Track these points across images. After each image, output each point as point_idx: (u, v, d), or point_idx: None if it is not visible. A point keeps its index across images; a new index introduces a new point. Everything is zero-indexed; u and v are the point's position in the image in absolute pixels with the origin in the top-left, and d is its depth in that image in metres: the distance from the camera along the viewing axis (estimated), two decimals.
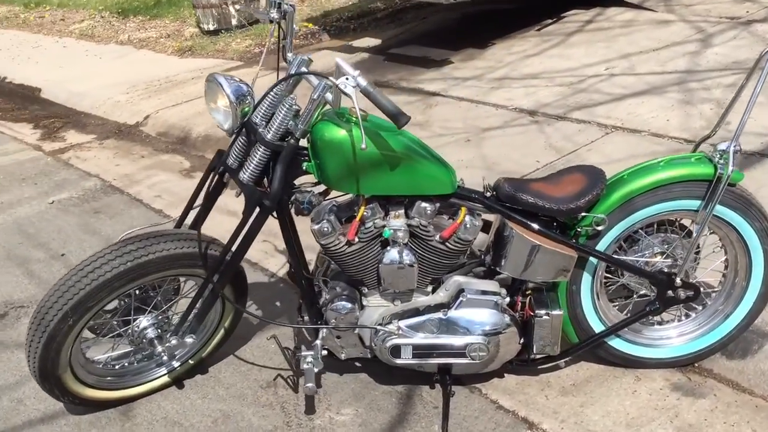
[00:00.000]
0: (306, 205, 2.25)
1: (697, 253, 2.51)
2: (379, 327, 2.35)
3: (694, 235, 2.31)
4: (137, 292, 2.35)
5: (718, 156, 2.25)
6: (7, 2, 12.27)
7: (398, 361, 2.35)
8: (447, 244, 2.27)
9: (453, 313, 2.32)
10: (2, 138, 5.92)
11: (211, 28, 8.10)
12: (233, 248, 2.26)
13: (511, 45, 6.19)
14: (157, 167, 4.96)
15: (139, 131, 5.81)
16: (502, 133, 4.53)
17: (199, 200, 2.36)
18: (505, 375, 2.55)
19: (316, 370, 2.31)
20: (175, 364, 2.54)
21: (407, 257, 2.25)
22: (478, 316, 2.32)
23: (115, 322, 2.35)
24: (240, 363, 2.67)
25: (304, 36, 7.70)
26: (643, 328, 2.57)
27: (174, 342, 2.36)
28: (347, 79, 2.00)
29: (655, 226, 2.42)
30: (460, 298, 2.33)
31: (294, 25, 2.22)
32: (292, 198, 2.27)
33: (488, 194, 2.32)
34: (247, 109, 2.15)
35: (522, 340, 2.39)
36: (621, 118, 4.42)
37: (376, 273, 2.29)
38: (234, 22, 8.08)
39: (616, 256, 2.38)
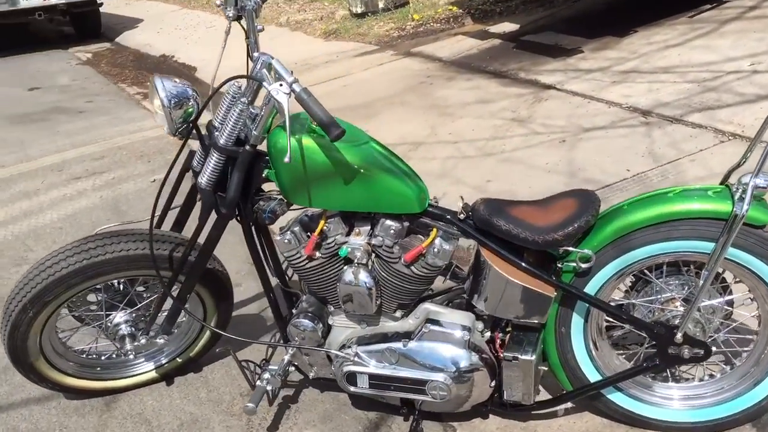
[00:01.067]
0: (268, 214, 2.15)
1: (730, 305, 2.10)
2: (332, 351, 2.20)
3: (701, 283, 1.92)
4: (121, 287, 2.38)
5: (741, 190, 1.84)
6: None
7: (352, 389, 2.19)
8: (412, 268, 2.06)
9: (413, 345, 2.12)
10: (145, 114, 6.33)
11: (359, 11, 8.13)
12: (196, 253, 2.21)
13: (653, 33, 5.60)
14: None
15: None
16: (604, 135, 4.11)
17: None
18: (491, 416, 2.29)
19: (269, 388, 2.21)
20: (163, 360, 2.55)
21: (364, 279, 2.08)
22: (440, 350, 2.10)
23: (97, 315, 2.39)
24: (233, 366, 2.63)
25: (446, 20, 7.51)
26: (654, 384, 2.20)
27: (143, 341, 2.37)
28: (281, 84, 1.87)
29: (665, 265, 2.04)
30: (423, 329, 2.12)
31: (256, 23, 2.10)
32: (256, 206, 2.17)
33: (462, 216, 2.07)
34: (191, 110, 2.08)
35: (493, 383, 2.12)
36: (743, 124, 3.83)
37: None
38: (381, 5, 8.06)
39: (603, 300, 2.04)
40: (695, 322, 2.02)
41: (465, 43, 6.61)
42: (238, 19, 2.04)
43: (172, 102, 2.05)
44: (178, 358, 2.54)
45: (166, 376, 2.58)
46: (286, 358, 2.29)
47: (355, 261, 2.08)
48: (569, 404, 2.25)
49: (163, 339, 2.37)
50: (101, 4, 10.01)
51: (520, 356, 2.03)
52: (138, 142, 5.54)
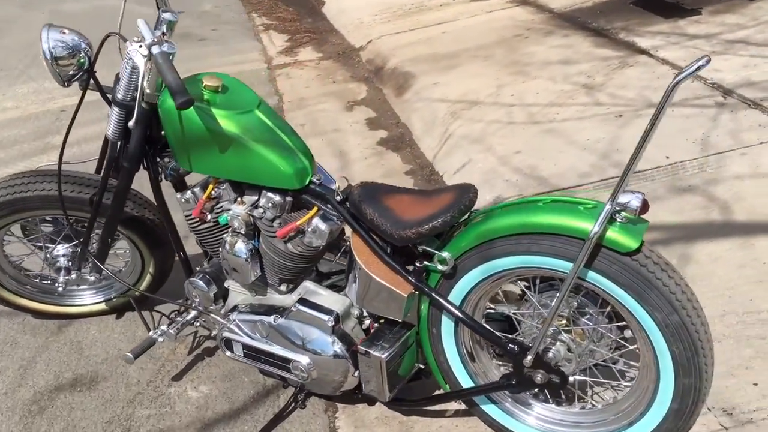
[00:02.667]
0: (170, 172, 2.20)
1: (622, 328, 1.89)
2: (213, 314, 2.23)
3: (552, 306, 1.74)
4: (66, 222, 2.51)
5: (615, 209, 1.63)
6: None
7: (229, 355, 2.23)
8: (289, 245, 2.04)
9: (282, 322, 2.10)
10: (254, 46, 6.54)
11: None
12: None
13: None
14: (333, 96, 5.09)
15: (357, 56, 5.97)
16: (668, 113, 3.67)
17: None
18: (377, 404, 2.25)
19: (160, 340, 2.29)
20: (113, 295, 2.71)
21: (240, 248, 2.09)
22: (303, 332, 2.07)
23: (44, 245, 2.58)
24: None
25: None
26: (533, 403, 2.04)
27: (74, 276, 2.53)
28: (140, 46, 1.88)
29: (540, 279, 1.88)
30: (292, 308, 2.10)
31: None
32: (161, 162, 2.22)
33: (338, 198, 1.99)
34: (82, 61, 2.12)
35: (357, 373, 2.07)
36: None
37: None
38: None
39: (461, 308, 1.90)
40: (562, 346, 1.84)
41: None
42: None
43: (56, 53, 2.08)
44: (125, 295, 2.68)
45: (116, 310, 2.74)
46: (187, 315, 2.34)
47: (236, 230, 2.08)
48: (463, 405, 2.13)
49: (95, 276, 2.51)
50: None
51: (371, 351, 1.96)
52: (231, 74, 5.73)
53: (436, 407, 2.19)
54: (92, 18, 7.88)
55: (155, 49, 1.82)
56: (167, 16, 2.07)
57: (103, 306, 2.73)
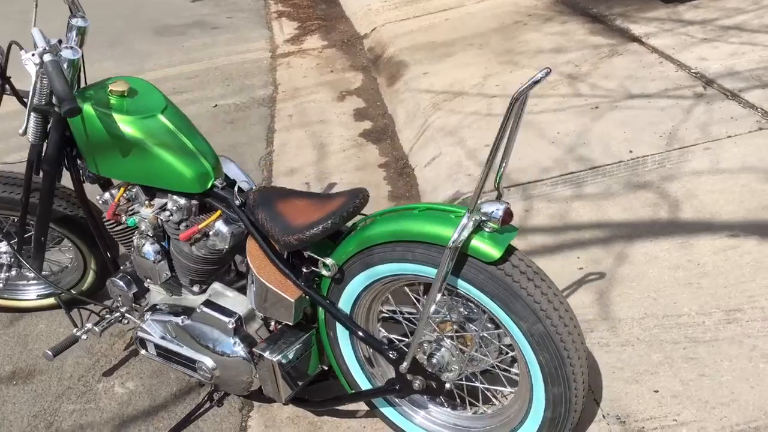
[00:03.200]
0: (89, 174, 2.24)
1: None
2: (127, 314, 2.31)
3: (421, 316, 1.75)
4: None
5: (480, 216, 1.64)
6: None
7: (143, 353, 2.30)
8: (193, 247, 2.10)
9: (188, 323, 2.17)
10: (263, 35, 6.61)
11: None
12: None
13: None
14: (328, 86, 5.12)
15: (360, 44, 5.98)
16: (644, 105, 3.64)
17: None
18: (291, 404, 2.29)
19: (84, 338, 2.37)
20: (56, 289, 2.80)
21: (147, 249, 2.16)
22: (207, 333, 2.13)
23: None
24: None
25: None
26: (429, 406, 2.06)
27: (14, 273, 2.64)
28: (32, 55, 1.94)
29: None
30: (196, 310, 2.15)
31: None
32: (81, 164, 2.27)
33: (237, 202, 2.03)
34: None
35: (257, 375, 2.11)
36: None
37: None
38: None
39: (346, 312, 1.93)
40: (446, 353, 1.85)
41: None
42: None
43: None
44: (72, 290, 2.78)
45: (65, 305, 2.81)
46: (112, 316, 2.41)
47: (143, 232, 2.14)
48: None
49: (31, 273, 2.60)
50: None
51: (264, 354, 2.00)
52: (234, 64, 5.83)
53: (347, 408, 2.23)
54: (117, 2, 8.05)
55: (47, 57, 1.88)
56: (76, 22, 2.12)
57: (51, 300, 2.82)
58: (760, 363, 2.04)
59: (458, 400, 2.03)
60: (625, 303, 2.37)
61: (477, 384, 1.96)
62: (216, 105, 4.95)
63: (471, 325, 1.88)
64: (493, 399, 2.01)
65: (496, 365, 1.89)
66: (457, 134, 3.78)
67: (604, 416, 1.98)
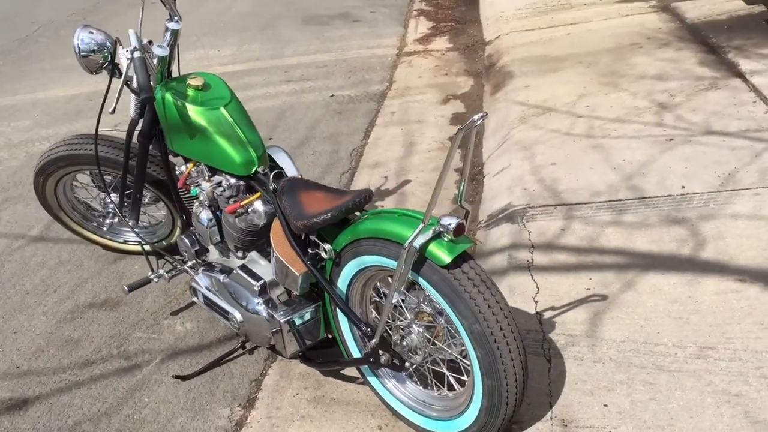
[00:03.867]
0: (169, 149, 2.75)
1: None
2: (184, 266, 2.80)
3: (386, 302, 2.11)
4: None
5: (435, 223, 1.98)
6: None
7: (193, 299, 2.79)
8: (236, 220, 2.56)
9: (226, 281, 2.62)
10: (396, 32, 7.04)
11: None
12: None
13: None
14: (437, 88, 5.47)
15: (482, 49, 6.27)
16: (717, 143, 3.72)
17: None
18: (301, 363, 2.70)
19: (155, 280, 2.91)
20: (153, 239, 3.37)
21: (202, 216, 2.64)
22: (239, 291, 2.58)
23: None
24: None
25: None
26: (406, 382, 2.41)
27: (116, 220, 3.23)
28: (126, 51, 2.45)
29: None
30: (234, 271, 2.61)
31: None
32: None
33: (272, 187, 2.47)
34: (107, 54, 2.68)
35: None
36: None
37: None
38: None
39: (337, 289, 2.30)
40: (415, 338, 2.19)
41: (731, 5, 5.90)
42: None
43: (82, 48, 2.62)
44: (163, 241, 3.35)
45: (149, 254, 3.36)
46: (184, 265, 2.92)
47: (202, 201, 2.63)
48: None
49: (132, 223, 3.17)
50: None
51: (275, 314, 2.42)
52: (361, 58, 6.30)
53: (348, 373, 2.61)
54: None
55: (137, 54, 2.38)
56: (171, 25, 2.60)
57: (137, 247, 3.40)
58: (708, 398, 2.21)
59: (429, 382, 2.35)
60: (613, 325, 2.58)
61: (444, 370, 2.28)
62: (332, 95, 5.43)
63: (440, 318, 2.20)
64: (455, 384, 2.30)
65: (457, 357, 2.20)
66: (531, 149, 4.01)
67: (551, 418, 2.24)
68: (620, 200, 3.35)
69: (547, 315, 2.68)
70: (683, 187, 3.35)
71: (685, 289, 2.69)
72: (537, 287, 2.84)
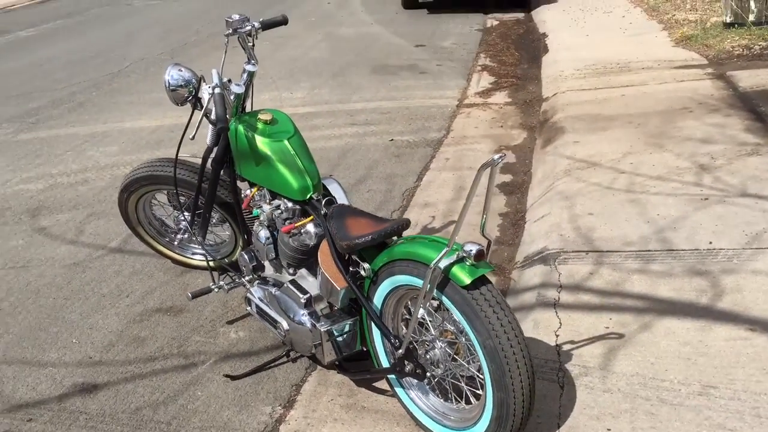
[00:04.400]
0: (237, 174, 3.13)
1: None
2: (237, 277, 3.14)
3: (412, 318, 2.40)
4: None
5: (459, 249, 2.28)
6: None
7: (247, 309, 3.13)
8: (290, 239, 2.90)
9: (277, 293, 2.96)
10: (459, 84, 7.41)
11: (727, 20, 7.79)
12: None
13: None
14: (491, 138, 5.79)
15: (538, 105, 6.57)
16: (750, 204, 3.91)
17: None
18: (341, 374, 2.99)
19: (215, 290, 3.27)
20: (216, 256, 3.75)
21: (261, 234, 2.99)
22: (288, 303, 2.90)
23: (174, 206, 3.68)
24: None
25: None
26: (429, 394, 2.67)
27: (186, 237, 3.62)
28: (208, 87, 2.85)
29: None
30: (285, 285, 2.95)
31: (252, 42, 3.02)
32: None
33: (323, 212, 2.81)
34: (191, 90, 3.07)
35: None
36: None
37: None
38: (751, 17, 7.59)
39: (373, 304, 2.60)
40: (439, 351, 2.47)
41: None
42: (234, 34, 2.95)
43: (171, 83, 3.05)
44: (225, 259, 3.72)
45: (213, 269, 3.71)
46: (243, 278, 3.26)
47: (262, 221, 2.99)
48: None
49: (200, 240, 3.55)
50: None
51: (317, 324, 2.74)
52: (423, 107, 6.68)
53: (380, 386, 2.88)
54: (354, 41, 9.32)
55: (217, 90, 2.77)
56: (248, 67, 3.00)
57: (202, 263, 3.77)
58: (704, 430, 2.41)
59: (449, 395, 2.61)
60: (625, 361, 2.80)
61: (462, 384, 2.54)
62: (392, 140, 5.80)
63: (461, 337, 2.47)
64: (471, 398, 2.56)
65: (475, 373, 2.46)
66: (571, 199, 4.27)
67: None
68: (649, 251, 3.57)
69: (565, 347, 2.91)
70: (710, 242, 3.55)
71: (698, 334, 2.89)
72: (560, 322, 3.08)
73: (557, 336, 2.99)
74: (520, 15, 11.23)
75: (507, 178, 5.00)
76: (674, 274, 3.34)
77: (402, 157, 5.46)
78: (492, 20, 10.93)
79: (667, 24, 8.77)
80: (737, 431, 2.38)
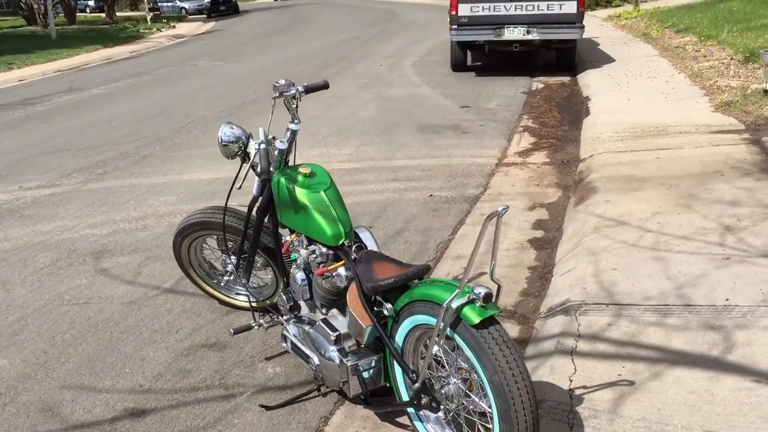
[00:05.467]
0: (279, 221, 3.46)
1: None
2: (281, 317, 3.43)
3: (427, 354, 2.64)
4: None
5: (470, 291, 2.54)
6: (690, 32, 13.51)
7: (282, 345, 3.41)
8: (322, 281, 3.20)
9: (310, 330, 3.24)
10: (499, 144, 7.70)
11: (767, 87, 7.95)
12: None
13: None
14: (527, 196, 6.04)
15: (575, 166, 6.81)
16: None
17: None
18: (367, 408, 3.24)
19: (256, 328, 3.57)
20: (258, 297, 4.06)
21: (297, 276, 3.29)
22: (319, 340, 3.17)
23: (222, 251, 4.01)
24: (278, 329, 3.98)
25: None
26: (447, 428, 2.90)
27: (232, 278, 3.94)
28: (255, 143, 3.21)
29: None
30: (317, 323, 3.23)
31: (296, 103, 3.37)
32: None
33: (354, 257, 3.10)
34: (241, 145, 3.45)
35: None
36: None
37: None
38: None
39: (395, 341, 2.85)
40: (453, 387, 2.70)
41: None
42: (280, 97, 3.30)
43: (224, 139, 3.43)
44: (266, 300, 4.03)
45: (254, 309, 4.00)
46: (281, 317, 3.56)
47: (299, 264, 3.29)
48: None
49: (244, 282, 3.86)
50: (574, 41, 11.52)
51: (344, 359, 3.00)
52: (463, 165, 6.98)
53: (402, 421, 3.11)
54: (402, 101, 9.73)
55: (262, 146, 3.12)
56: (291, 125, 3.34)
57: (246, 304, 4.08)
58: None
59: (464, 429, 2.83)
60: (633, 406, 2.97)
61: (475, 419, 2.75)
62: (431, 195, 6.10)
63: (474, 374, 2.70)
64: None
65: (486, 408, 2.67)
66: (597, 255, 4.47)
67: None
68: (667, 305, 3.74)
69: (578, 392, 3.09)
70: (727, 299, 3.70)
71: (705, 383, 3.04)
72: (575, 368, 3.27)
73: (571, 381, 3.17)
74: (566, 79, 11.54)
75: (539, 233, 5.22)
76: (689, 327, 3.50)
77: (439, 211, 5.73)
78: (537, 83, 11.25)
79: (709, 90, 8.95)
80: None
